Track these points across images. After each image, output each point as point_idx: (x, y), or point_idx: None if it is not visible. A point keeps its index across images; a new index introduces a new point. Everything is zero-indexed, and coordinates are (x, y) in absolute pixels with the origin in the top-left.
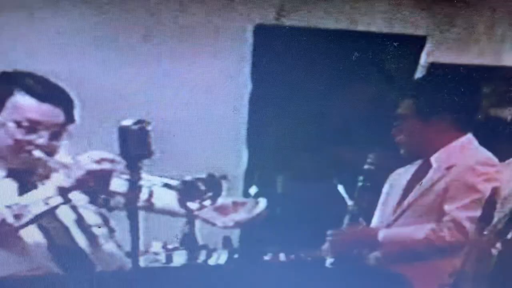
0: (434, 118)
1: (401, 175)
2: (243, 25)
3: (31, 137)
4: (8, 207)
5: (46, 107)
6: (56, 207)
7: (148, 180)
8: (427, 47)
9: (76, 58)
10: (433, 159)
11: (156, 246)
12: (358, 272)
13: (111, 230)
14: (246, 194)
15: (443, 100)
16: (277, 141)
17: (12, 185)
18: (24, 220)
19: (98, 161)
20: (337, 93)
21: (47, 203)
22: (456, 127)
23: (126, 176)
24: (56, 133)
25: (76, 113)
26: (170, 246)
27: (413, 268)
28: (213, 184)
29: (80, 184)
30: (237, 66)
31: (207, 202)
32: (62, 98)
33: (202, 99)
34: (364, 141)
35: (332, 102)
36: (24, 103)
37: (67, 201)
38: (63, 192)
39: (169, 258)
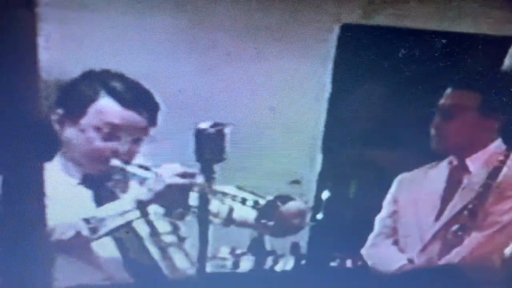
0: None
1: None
2: (329, 24)
3: (111, 144)
4: (85, 220)
5: (130, 113)
6: (132, 221)
7: (229, 195)
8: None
9: (158, 58)
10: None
11: (224, 252)
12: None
13: (181, 239)
14: (317, 198)
15: None
16: (353, 145)
17: (87, 193)
18: (99, 233)
19: (180, 175)
20: (421, 96)
21: (124, 217)
22: None
23: (207, 191)
24: (137, 139)
25: (160, 117)
26: (238, 252)
27: None
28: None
29: (159, 198)
30: (319, 67)
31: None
32: (148, 102)
33: (279, 101)
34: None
35: (414, 106)
36: (108, 108)
37: (144, 214)
38: (141, 205)
39: (236, 264)
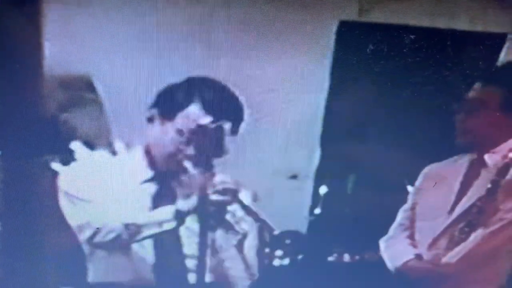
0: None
1: (446, 173)
2: (326, 21)
3: (187, 147)
4: (125, 225)
5: (214, 122)
6: (168, 230)
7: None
8: (507, 45)
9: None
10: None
11: None
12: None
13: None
14: (315, 193)
15: None
16: (351, 140)
17: (151, 190)
18: (136, 239)
19: (221, 192)
20: (416, 92)
21: (161, 226)
22: None
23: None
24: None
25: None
26: None
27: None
28: (298, 240)
29: (197, 210)
30: (317, 63)
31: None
32: (235, 112)
33: (278, 97)
34: (438, 142)
35: (410, 102)
36: (195, 114)
37: (180, 223)
38: (179, 215)
39: None
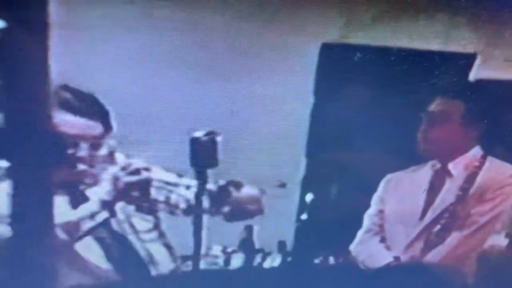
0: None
1: (409, 182)
2: (309, 43)
3: (71, 151)
4: (59, 225)
5: (81, 121)
6: (104, 221)
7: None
8: (476, 64)
9: (145, 74)
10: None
11: (216, 250)
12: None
13: (162, 235)
14: (302, 201)
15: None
16: (336, 150)
17: (64, 200)
18: (77, 235)
19: (134, 172)
20: (396, 109)
21: (94, 219)
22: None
23: (164, 184)
24: (96, 144)
25: (114, 123)
26: (229, 250)
27: None
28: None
29: (122, 196)
30: (302, 82)
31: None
32: (97, 109)
33: (266, 113)
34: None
35: (390, 118)
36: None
37: (113, 214)
38: (107, 205)
39: (227, 261)
